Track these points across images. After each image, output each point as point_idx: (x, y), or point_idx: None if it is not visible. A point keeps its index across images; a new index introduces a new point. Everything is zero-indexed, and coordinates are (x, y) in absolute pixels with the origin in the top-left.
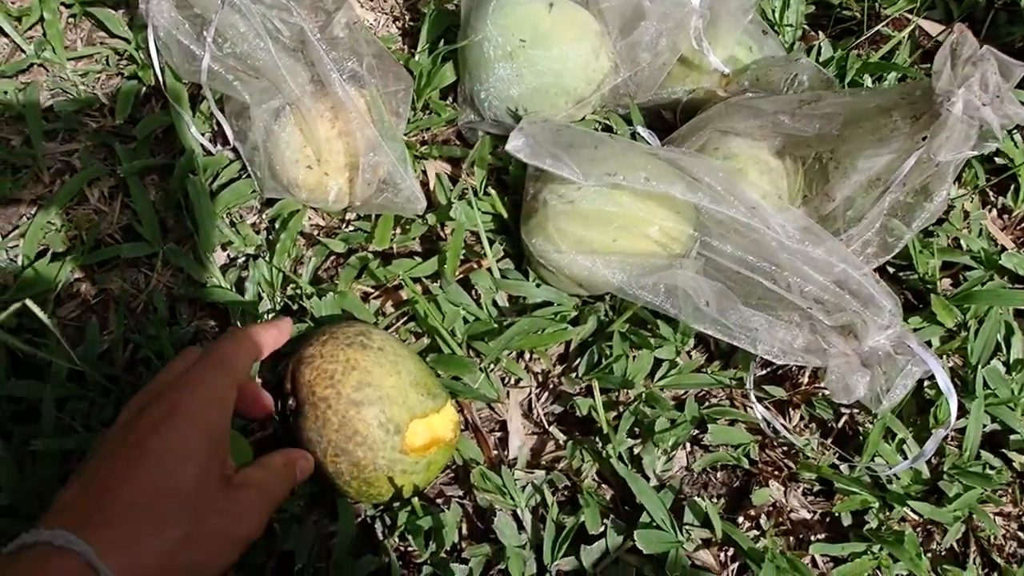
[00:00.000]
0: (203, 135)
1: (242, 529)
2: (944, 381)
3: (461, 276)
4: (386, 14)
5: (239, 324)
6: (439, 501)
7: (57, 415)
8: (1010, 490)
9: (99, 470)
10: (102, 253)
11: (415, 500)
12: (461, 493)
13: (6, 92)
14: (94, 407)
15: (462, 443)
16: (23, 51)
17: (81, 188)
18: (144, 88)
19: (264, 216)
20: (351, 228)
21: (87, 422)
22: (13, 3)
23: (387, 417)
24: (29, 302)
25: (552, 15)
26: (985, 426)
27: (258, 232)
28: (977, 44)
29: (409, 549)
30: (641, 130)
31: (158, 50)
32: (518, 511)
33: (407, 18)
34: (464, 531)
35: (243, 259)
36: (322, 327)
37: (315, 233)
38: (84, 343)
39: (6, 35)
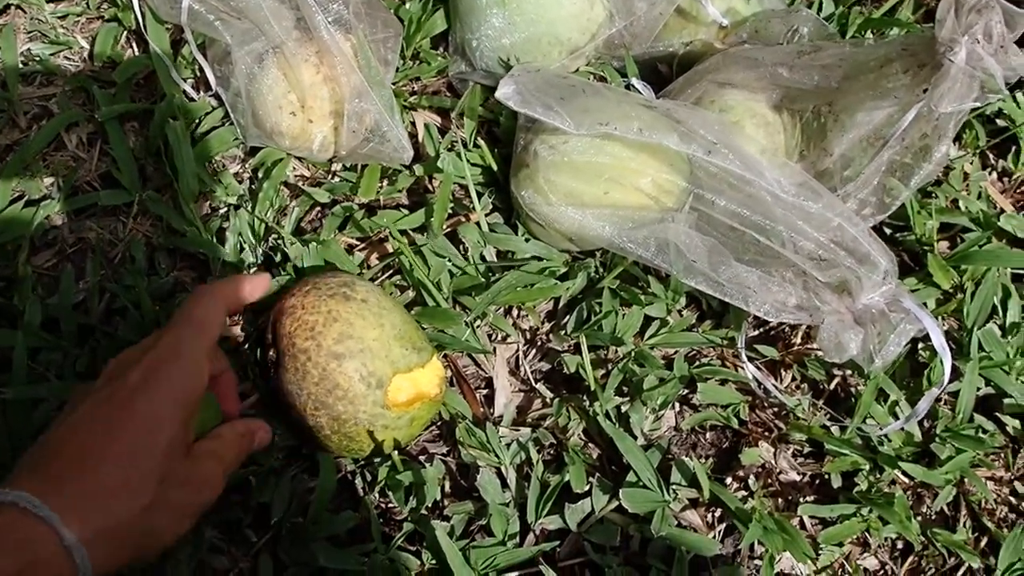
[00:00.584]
0: (185, 80)
1: (200, 498)
2: (938, 339)
3: (449, 229)
4: None
5: (219, 275)
6: (422, 458)
7: (30, 364)
8: (1003, 454)
9: (74, 434)
10: (79, 200)
11: (395, 455)
12: (445, 450)
13: None
14: (68, 357)
15: (448, 396)
16: None
17: (58, 133)
18: (124, 31)
19: (247, 165)
20: (336, 179)
21: (60, 372)
22: None
23: (369, 371)
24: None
25: None
26: (979, 389)
27: (240, 181)
28: None
29: (389, 505)
30: (636, 82)
31: None
32: (502, 468)
33: None
34: (447, 488)
35: (224, 208)
36: (305, 278)
37: (299, 183)
38: (59, 292)
39: None
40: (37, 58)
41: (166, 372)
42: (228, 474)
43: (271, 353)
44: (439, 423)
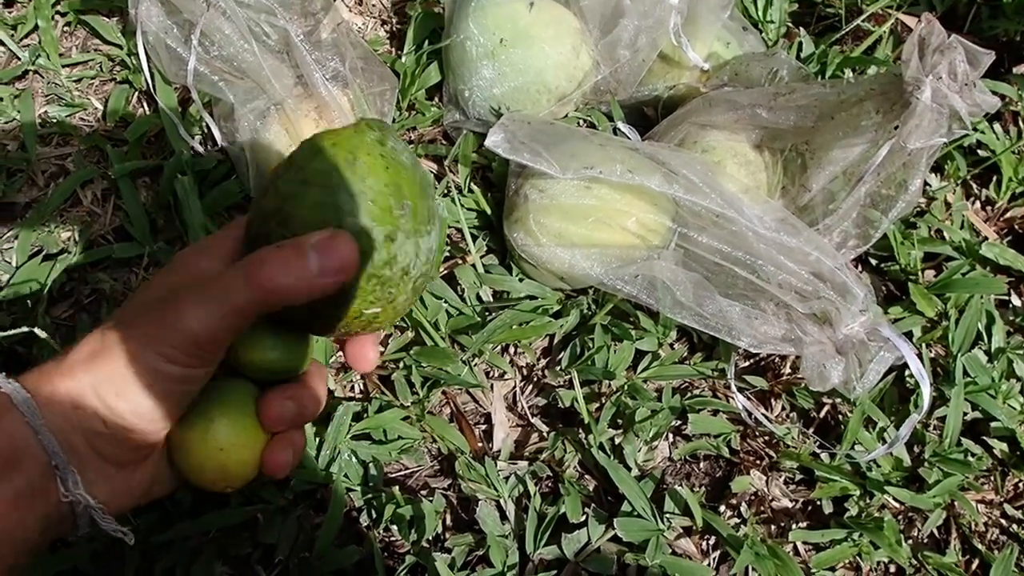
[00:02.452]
0: (193, 137)
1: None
2: (916, 366)
3: (446, 271)
4: (374, 17)
5: None
6: (423, 492)
7: None
8: (991, 477)
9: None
10: (94, 254)
11: (397, 491)
12: (446, 484)
13: (2, 99)
14: None
15: (447, 431)
16: (18, 58)
17: (74, 190)
18: (136, 92)
19: None
20: None
21: None
22: (9, 12)
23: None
24: (38, 330)
25: (532, 14)
26: (966, 414)
27: None
28: (945, 33)
29: (392, 539)
30: (622, 126)
31: (148, 54)
32: (501, 501)
33: (394, 21)
34: (448, 521)
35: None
36: None
37: None
38: (75, 342)
39: (2, 43)
40: (54, 119)
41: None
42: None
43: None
44: (439, 458)
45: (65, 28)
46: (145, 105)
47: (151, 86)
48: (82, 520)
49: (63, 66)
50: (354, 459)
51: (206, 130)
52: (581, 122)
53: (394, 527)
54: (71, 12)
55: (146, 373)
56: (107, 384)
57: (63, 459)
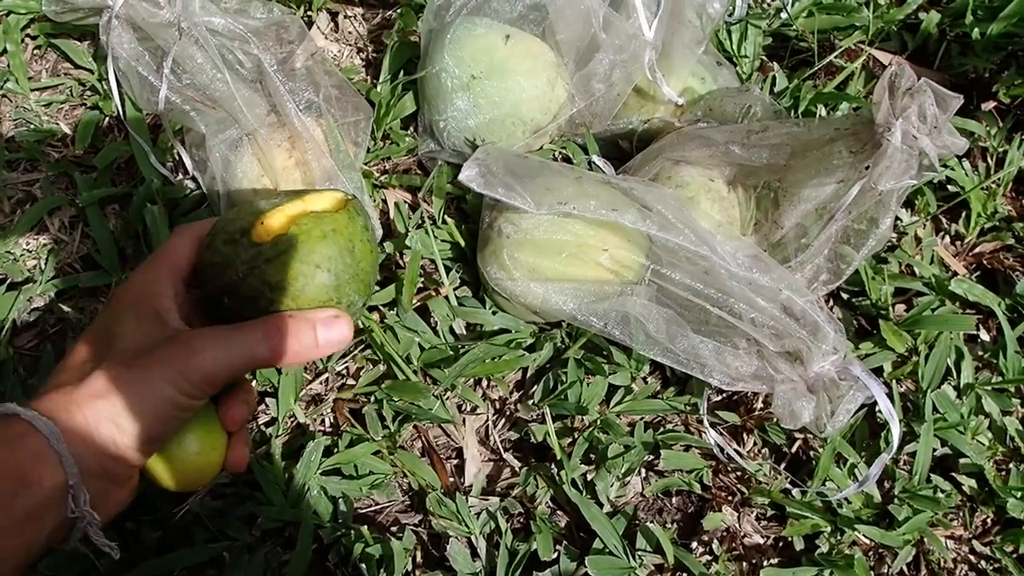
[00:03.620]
0: (164, 165)
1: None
2: (885, 405)
3: (418, 304)
4: (350, 45)
5: None
6: (393, 529)
7: None
8: (960, 513)
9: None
10: (61, 282)
11: (365, 529)
12: (416, 520)
13: None
14: None
15: (418, 466)
16: None
17: (41, 217)
18: (106, 119)
19: None
20: None
21: None
22: None
23: (236, 228)
24: None
25: (508, 46)
26: (935, 450)
27: None
28: (915, 76)
29: None
30: (597, 159)
31: (119, 81)
32: (472, 538)
33: (370, 49)
34: (418, 558)
35: None
36: None
37: None
38: (39, 372)
39: None
40: (21, 144)
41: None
42: (244, 357)
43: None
44: (410, 493)
45: (35, 51)
46: (115, 131)
47: (121, 112)
48: (75, 534)
49: (32, 90)
50: (323, 495)
51: (177, 158)
52: (556, 155)
53: (363, 566)
54: (41, 35)
55: (163, 405)
56: (124, 414)
57: (79, 479)
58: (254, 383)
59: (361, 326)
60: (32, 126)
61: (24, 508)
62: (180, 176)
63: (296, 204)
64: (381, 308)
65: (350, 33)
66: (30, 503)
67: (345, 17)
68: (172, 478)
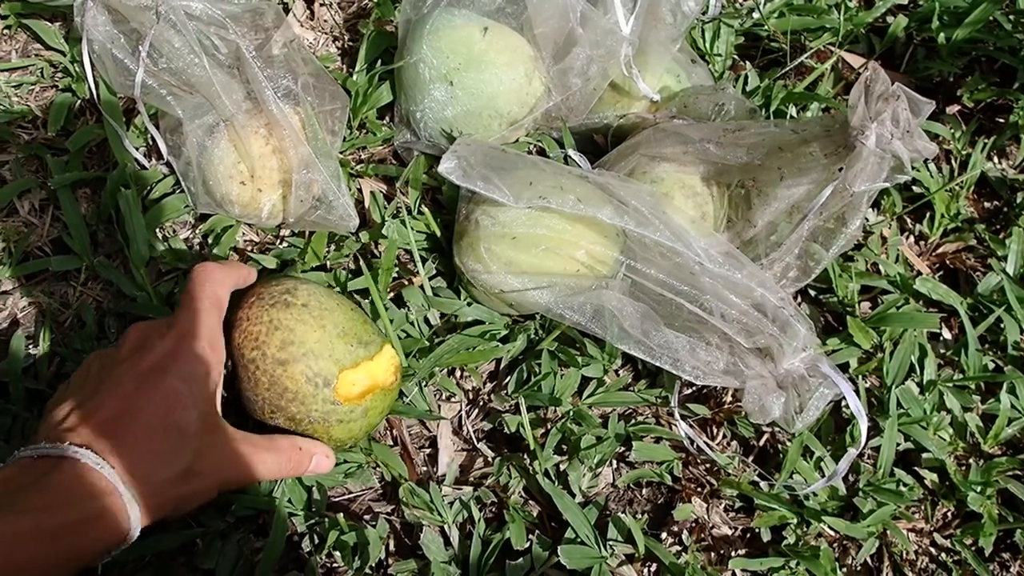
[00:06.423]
0: (137, 149)
1: (226, 475)
2: (854, 403)
3: (393, 294)
4: (326, 34)
5: None
6: (367, 517)
7: None
8: (922, 506)
9: (106, 398)
10: (30, 266)
11: (341, 517)
12: (389, 509)
13: None
14: (17, 420)
15: (390, 457)
16: None
17: (11, 200)
18: (78, 101)
19: (198, 231)
20: (285, 244)
21: (9, 435)
22: None
23: (314, 372)
24: None
25: (486, 39)
26: (899, 445)
27: (191, 247)
28: (889, 81)
29: (335, 565)
30: (572, 153)
31: (93, 63)
32: (445, 527)
33: (346, 38)
34: (391, 547)
35: (175, 274)
36: (253, 288)
37: (248, 249)
38: (8, 357)
39: None
40: None
41: (189, 349)
42: (270, 472)
43: (228, 363)
44: (383, 483)
45: (5, 31)
46: (88, 114)
47: (95, 95)
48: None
49: (1, 70)
50: (297, 483)
51: (151, 142)
52: (532, 148)
53: (337, 553)
54: (12, 15)
55: (207, 495)
56: (184, 504)
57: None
58: None
59: None
60: (2, 107)
61: (102, 531)
62: (154, 161)
63: (368, 369)
64: (356, 296)
65: (325, 21)
66: (105, 529)
67: (321, 5)
68: None
